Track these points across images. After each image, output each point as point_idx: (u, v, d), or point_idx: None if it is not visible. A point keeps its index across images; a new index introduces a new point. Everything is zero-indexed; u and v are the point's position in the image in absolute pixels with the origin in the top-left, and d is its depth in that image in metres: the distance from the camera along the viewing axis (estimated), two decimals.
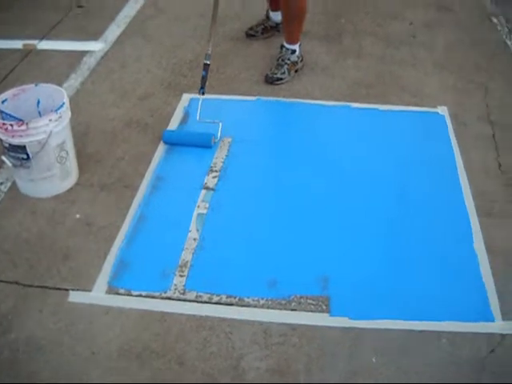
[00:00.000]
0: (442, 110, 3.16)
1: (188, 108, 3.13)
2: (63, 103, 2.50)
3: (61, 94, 2.58)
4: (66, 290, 2.25)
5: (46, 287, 2.26)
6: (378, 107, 3.18)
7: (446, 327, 2.13)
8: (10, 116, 2.55)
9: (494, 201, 2.63)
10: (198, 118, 2.92)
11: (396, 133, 3.02)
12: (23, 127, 2.38)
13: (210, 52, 2.94)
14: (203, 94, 2.94)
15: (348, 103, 3.20)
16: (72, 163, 2.64)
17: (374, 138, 2.99)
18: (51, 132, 2.44)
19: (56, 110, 2.46)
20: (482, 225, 2.51)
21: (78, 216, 2.53)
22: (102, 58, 3.54)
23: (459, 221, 2.53)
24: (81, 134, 2.86)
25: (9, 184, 2.68)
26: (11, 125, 2.38)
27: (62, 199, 2.61)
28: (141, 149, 2.86)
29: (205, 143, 2.87)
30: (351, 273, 2.31)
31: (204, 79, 2.94)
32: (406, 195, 2.65)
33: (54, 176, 2.57)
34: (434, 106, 3.19)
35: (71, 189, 2.66)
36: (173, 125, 3.01)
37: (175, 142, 2.90)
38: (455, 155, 2.87)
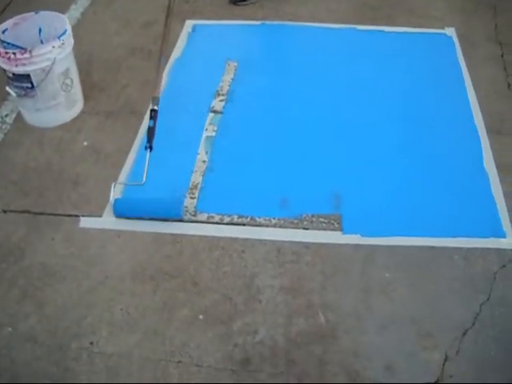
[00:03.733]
0: (450, 32, 3.08)
1: (192, 34, 3.06)
2: (65, 30, 2.45)
3: (63, 21, 2.52)
4: (77, 216, 2.25)
5: (57, 214, 2.26)
6: (384, 29, 3.10)
7: (457, 243, 2.13)
8: (12, 45, 2.50)
9: (504, 119, 2.59)
10: (143, 179, 2.22)
11: (403, 54, 2.96)
12: (26, 55, 2.34)
13: (158, 95, 2.36)
14: (150, 149, 2.26)
15: (354, 26, 3.12)
16: (77, 91, 2.60)
17: (380, 59, 2.93)
18: (55, 59, 2.40)
19: (59, 37, 2.41)
20: (492, 143, 2.48)
21: (85, 144, 2.51)
22: None
23: (469, 139, 2.50)
24: (84, 63, 2.81)
25: (14, 115, 2.65)
26: (14, 53, 2.33)
27: (68, 128, 2.59)
28: (145, 75, 2.80)
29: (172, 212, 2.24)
30: (362, 190, 2.30)
31: (151, 130, 2.28)
32: (415, 115, 2.62)
33: (59, 105, 2.54)
34: (442, 28, 3.11)
35: (77, 117, 2.63)
36: (177, 51, 2.96)
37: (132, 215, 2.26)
38: (464, 75, 2.81)
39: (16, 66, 2.36)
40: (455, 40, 3.02)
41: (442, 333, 1.89)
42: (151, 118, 2.30)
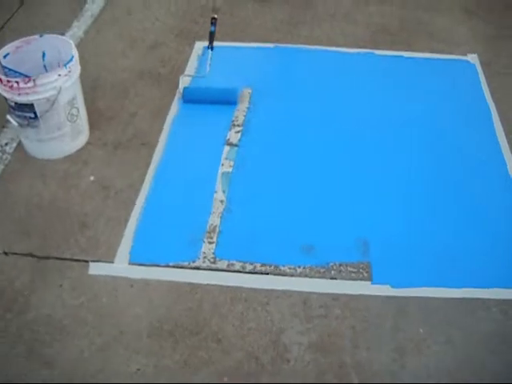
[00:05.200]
0: (473, 58, 2.95)
1: (202, 57, 2.90)
2: (72, 56, 2.28)
3: (68, 45, 2.35)
4: (86, 261, 2.08)
5: (64, 259, 2.09)
6: (404, 54, 2.96)
7: (495, 294, 1.99)
8: (14, 71, 2.33)
9: None
10: (207, 69, 2.67)
11: (424, 81, 2.83)
12: (30, 84, 2.16)
13: (218, 4, 2.68)
14: (211, 49, 2.68)
15: (372, 50, 2.99)
16: (83, 121, 2.43)
17: (400, 86, 2.80)
18: (61, 88, 2.22)
19: (65, 64, 2.24)
20: None
21: (92, 178, 2.34)
22: (106, 4, 3.28)
23: (500, 179, 2.37)
24: (89, 89, 2.63)
25: (14, 144, 2.48)
26: (17, 82, 2.16)
27: (73, 160, 2.41)
28: (155, 102, 2.65)
29: (230, 100, 2.66)
30: (391, 235, 2.16)
31: (212, 35, 2.66)
32: (441, 149, 2.49)
33: (64, 135, 2.37)
34: (464, 54, 2.98)
35: (82, 148, 2.46)
36: (187, 77, 2.78)
37: (197, 100, 2.67)
38: (489, 106, 2.68)
39: (19, 94, 2.19)
40: (478, 67, 2.88)
41: None
42: (212, 24, 2.65)
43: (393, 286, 2.01)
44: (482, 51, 3.01)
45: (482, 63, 2.92)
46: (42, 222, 2.19)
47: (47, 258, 2.09)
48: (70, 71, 2.25)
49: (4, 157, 2.42)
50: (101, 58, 2.89)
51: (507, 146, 2.50)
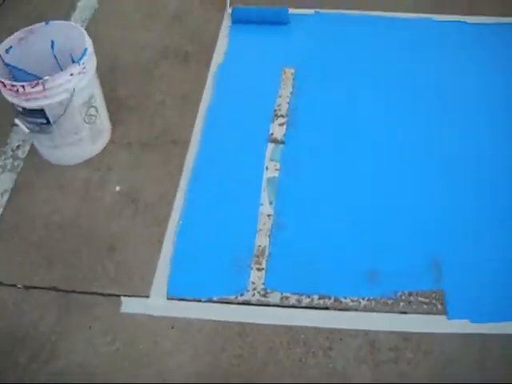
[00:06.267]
0: None
1: (233, 28, 2.52)
2: (85, 49, 1.92)
3: (80, 33, 1.99)
4: (117, 295, 1.82)
5: (92, 293, 1.84)
6: (467, 19, 2.54)
7: None
8: (18, 70, 1.98)
9: None
10: None
11: (492, 54, 2.42)
12: (38, 88, 1.83)
13: None
14: None
15: (430, 15, 2.56)
16: (103, 120, 2.11)
17: (466, 60, 2.40)
18: (74, 90, 1.89)
19: (78, 61, 1.89)
20: None
21: (118, 188, 2.05)
22: None
23: None
24: (107, 71, 2.27)
25: (27, 147, 2.17)
26: (23, 86, 1.82)
27: (94, 165, 2.11)
28: (185, 87, 2.31)
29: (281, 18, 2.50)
30: (468, 257, 1.86)
31: None
32: None
33: (82, 139, 2.06)
34: None
35: (105, 150, 2.16)
36: (220, 51, 2.41)
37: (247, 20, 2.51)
38: None
39: (27, 100, 1.86)
40: None
41: None
42: None
43: (473, 321, 1.73)
44: None
45: None
46: (64, 246, 1.93)
47: (72, 291, 1.84)
48: (84, 68, 1.91)
49: (16, 163, 2.12)
50: (118, 32, 2.51)
51: None
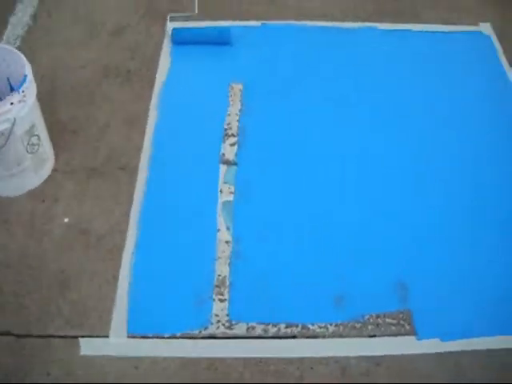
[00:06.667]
0: (486, 29, 2.56)
1: (175, 47, 2.42)
2: (25, 76, 1.81)
3: (17, 57, 1.87)
4: (75, 337, 1.71)
5: (48, 336, 1.72)
6: (411, 28, 2.54)
7: None
8: None
9: None
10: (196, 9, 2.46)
11: (436, 62, 2.43)
12: None
13: None
14: None
15: (373, 24, 2.55)
16: (46, 148, 2.00)
17: (412, 69, 2.40)
18: (15, 119, 1.77)
19: (18, 89, 1.77)
20: None
21: (66, 220, 1.94)
22: None
23: None
24: (45, 93, 2.12)
25: None
26: None
27: (39, 195, 1.99)
28: (129, 108, 2.20)
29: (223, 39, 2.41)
30: (431, 276, 1.85)
31: None
32: (478, 155, 2.14)
33: (25, 170, 1.93)
34: (475, 24, 2.59)
35: (49, 179, 2.03)
36: (163, 69, 2.32)
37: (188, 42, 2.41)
38: None
39: None
40: (494, 40, 2.49)
41: None
42: None
43: (442, 340, 1.72)
44: (494, 18, 2.61)
45: (496, 33, 2.54)
46: (13, 287, 1.80)
47: (27, 336, 1.72)
48: (24, 96, 1.79)
49: None
50: (55, 50, 2.36)
51: None
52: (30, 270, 1.83)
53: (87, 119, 2.17)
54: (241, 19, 2.52)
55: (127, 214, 1.94)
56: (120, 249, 1.87)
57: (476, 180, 2.07)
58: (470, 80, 2.36)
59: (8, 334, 1.72)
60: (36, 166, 1.96)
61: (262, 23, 2.52)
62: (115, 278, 1.82)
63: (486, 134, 2.19)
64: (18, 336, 1.71)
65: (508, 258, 1.89)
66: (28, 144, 1.88)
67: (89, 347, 1.70)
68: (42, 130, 1.94)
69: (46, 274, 1.83)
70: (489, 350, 1.72)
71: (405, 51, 2.45)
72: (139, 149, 2.09)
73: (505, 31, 2.56)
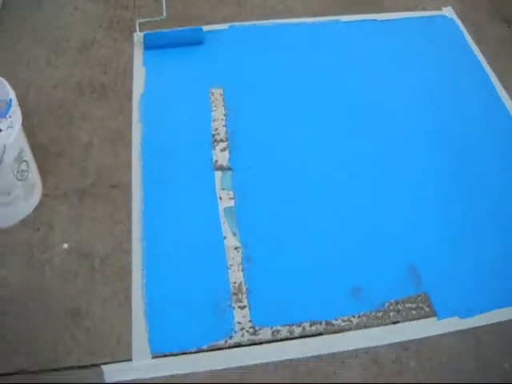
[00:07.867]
0: (449, 12, 2.62)
1: (147, 53, 2.37)
2: (11, 100, 1.73)
3: None
4: (97, 365, 1.65)
5: (67, 368, 1.65)
6: (375, 18, 2.57)
7: None
8: None
9: None
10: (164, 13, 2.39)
11: (406, 48, 2.47)
12: None
13: None
14: None
15: (336, 17, 2.56)
16: (34, 173, 1.92)
17: (382, 58, 2.43)
18: (5, 147, 1.69)
19: (5, 115, 1.69)
20: None
21: (65, 246, 1.86)
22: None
23: None
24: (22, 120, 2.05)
25: None
26: None
27: (33, 224, 1.91)
28: (110, 124, 2.14)
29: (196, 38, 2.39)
30: (439, 257, 1.88)
31: None
32: (455, 139, 2.20)
33: (16, 198, 1.85)
34: (438, 8, 2.64)
35: (40, 205, 1.95)
36: (138, 80, 2.26)
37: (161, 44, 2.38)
38: (483, 66, 2.42)
39: None
40: (458, 22, 2.55)
41: None
42: None
43: (461, 317, 1.75)
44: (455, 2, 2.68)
45: (458, 16, 2.61)
46: (21, 323, 1.71)
47: (43, 371, 1.64)
48: (12, 121, 1.71)
49: None
50: (22, 72, 2.27)
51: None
52: (36, 302, 1.75)
53: (69, 140, 2.09)
54: (209, 22, 2.48)
55: (129, 233, 1.89)
56: (127, 269, 1.82)
57: (477, 164, 2.13)
58: (443, 59, 2.43)
59: (22, 371, 1.63)
60: (26, 194, 1.87)
61: (229, 26, 2.49)
62: (127, 298, 1.76)
63: (467, 112, 2.27)
64: (34, 372, 1.63)
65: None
66: (18, 171, 1.80)
67: (112, 374, 1.64)
68: (29, 155, 1.86)
69: (54, 304, 1.75)
70: (507, 321, 1.75)
71: (375, 41, 2.47)
72: (128, 164, 2.03)
73: (465, 13, 2.62)
